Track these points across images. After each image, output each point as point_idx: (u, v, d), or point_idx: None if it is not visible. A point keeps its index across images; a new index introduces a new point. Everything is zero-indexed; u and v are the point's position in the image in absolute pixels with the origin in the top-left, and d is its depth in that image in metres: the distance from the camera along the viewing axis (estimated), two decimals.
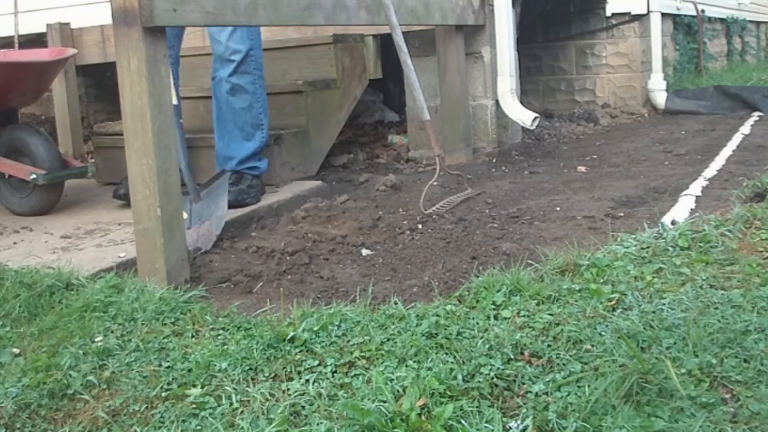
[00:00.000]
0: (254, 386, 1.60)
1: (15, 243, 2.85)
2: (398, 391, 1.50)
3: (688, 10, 7.02)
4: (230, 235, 2.84)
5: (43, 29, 4.94)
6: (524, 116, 3.97)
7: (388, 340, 1.73)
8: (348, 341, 1.75)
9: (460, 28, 3.96)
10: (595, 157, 4.17)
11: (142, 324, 1.94)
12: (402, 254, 2.53)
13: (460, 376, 1.53)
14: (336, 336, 1.78)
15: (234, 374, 1.65)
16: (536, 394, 1.47)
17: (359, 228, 2.85)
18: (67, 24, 4.96)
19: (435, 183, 3.19)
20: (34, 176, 3.21)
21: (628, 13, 5.78)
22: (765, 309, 1.72)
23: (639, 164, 3.86)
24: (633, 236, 2.33)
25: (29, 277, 2.22)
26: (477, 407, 1.43)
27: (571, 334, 1.68)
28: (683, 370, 1.47)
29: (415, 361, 1.62)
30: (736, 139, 4.39)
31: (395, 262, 2.46)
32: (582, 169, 3.79)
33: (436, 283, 2.19)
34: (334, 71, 4.00)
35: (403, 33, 4.18)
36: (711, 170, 3.46)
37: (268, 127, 3.36)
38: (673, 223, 2.53)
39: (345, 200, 3.28)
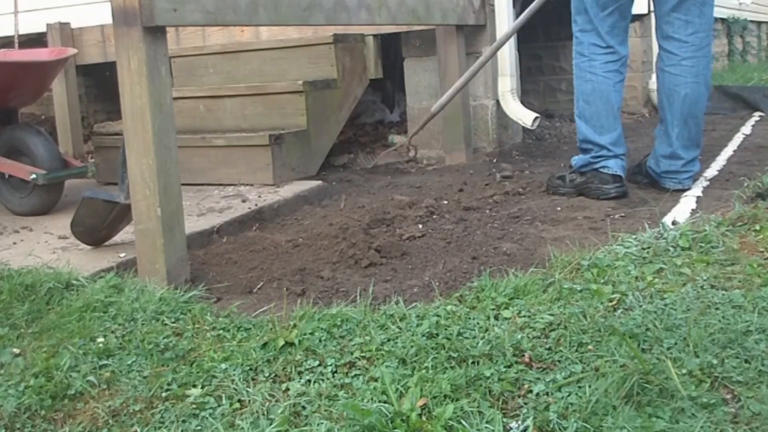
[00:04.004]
0: (254, 386, 1.60)
1: (15, 243, 2.85)
2: (400, 391, 1.50)
3: None
4: (230, 235, 2.84)
5: (43, 29, 4.94)
6: (525, 116, 3.97)
7: (389, 340, 1.73)
8: (349, 341, 1.75)
9: (460, 28, 3.96)
10: None
11: (143, 324, 1.94)
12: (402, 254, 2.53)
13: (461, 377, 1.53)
14: (337, 336, 1.78)
15: (234, 374, 1.65)
16: (537, 395, 1.46)
17: (360, 228, 2.84)
18: (67, 23, 4.96)
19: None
20: (34, 176, 3.20)
21: None
22: (766, 309, 1.72)
23: None
24: (634, 236, 2.32)
25: (29, 277, 2.22)
26: (477, 407, 1.43)
27: (572, 335, 1.68)
28: (684, 371, 1.47)
29: (415, 361, 1.61)
30: (737, 139, 4.39)
31: (395, 262, 2.45)
32: None
33: (437, 284, 2.18)
34: (334, 71, 4.00)
35: (403, 33, 4.20)
36: (712, 170, 3.46)
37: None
38: (674, 223, 2.53)
39: (345, 200, 3.28)
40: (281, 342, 1.75)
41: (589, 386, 1.44)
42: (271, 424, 1.44)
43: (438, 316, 1.82)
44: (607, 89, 3.04)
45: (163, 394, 1.60)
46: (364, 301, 1.97)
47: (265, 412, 1.49)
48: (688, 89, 3.02)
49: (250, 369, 1.68)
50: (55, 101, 4.83)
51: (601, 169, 3.05)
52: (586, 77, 3.06)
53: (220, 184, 3.64)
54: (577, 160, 3.16)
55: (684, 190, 3.04)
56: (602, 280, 2.00)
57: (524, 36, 5.09)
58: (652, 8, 5.78)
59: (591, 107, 3.07)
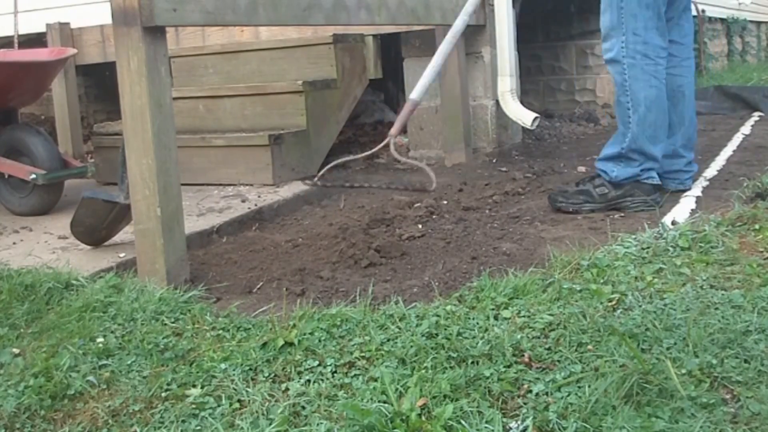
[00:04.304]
0: (254, 386, 1.60)
1: (15, 243, 2.85)
2: (400, 391, 1.50)
3: None
4: (230, 235, 2.84)
5: (42, 29, 4.94)
6: (524, 116, 3.97)
7: (389, 340, 1.73)
8: (348, 341, 1.75)
9: None
10: (595, 157, 4.16)
11: (142, 324, 1.94)
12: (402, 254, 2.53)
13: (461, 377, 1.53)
14: (336, 336, 1.78)
15: (234, 374, 1.65)
16: (536, 395, 1.46)
17: (360, 228, 2.84)
18: (67, 24, 4.96)
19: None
20: (33, 176, 3.20)
21: None
22: (765, 309, 1.72)
23: None
24: (633, 236, 2.32)
25: (29, 277, 2.22)
26: (477, 408, 1.43)
27: (572, 335, 1.68)
28: (684, 371, 1.47)
29: (414, 361, 1.61)
30: (737, 140, 4.39)
31: (395, 262, 2.45)
32: (582, 169, 3.79)
33: (436, 284, 2.18)
34: (334, 71, 4.00)
35: (403, 33, 4.20)
36: (711, 170, 3.46)
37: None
38: (673, 223, 2.53)
39: (345, 200, 3.28)
40: (281, 342, 1.75)
41: (589, 386, 1.44)
42: (270, 424, 1.44)
43: (438, 316, 1.82)
44: (666, 96, 2.87)
45: (163, 394, 1.61)
46: (363, 301, 1.97)
47: (265, 412, 1.49)
48: (690, 89, 3.02)
49: (250, 369, 1.68)
50: (55, 101, 4.83)
51: (646, 180, 2.86)
52: (652, 83, 2.80)
53: (220, 184, 3.65)
54: (618, 171, 2.87)
55: (684, 190, 3.04)
56: (602, 280, 2.00)
57: (524, 36, 5.08)
58: None
59: (652, 115, 2.82)
